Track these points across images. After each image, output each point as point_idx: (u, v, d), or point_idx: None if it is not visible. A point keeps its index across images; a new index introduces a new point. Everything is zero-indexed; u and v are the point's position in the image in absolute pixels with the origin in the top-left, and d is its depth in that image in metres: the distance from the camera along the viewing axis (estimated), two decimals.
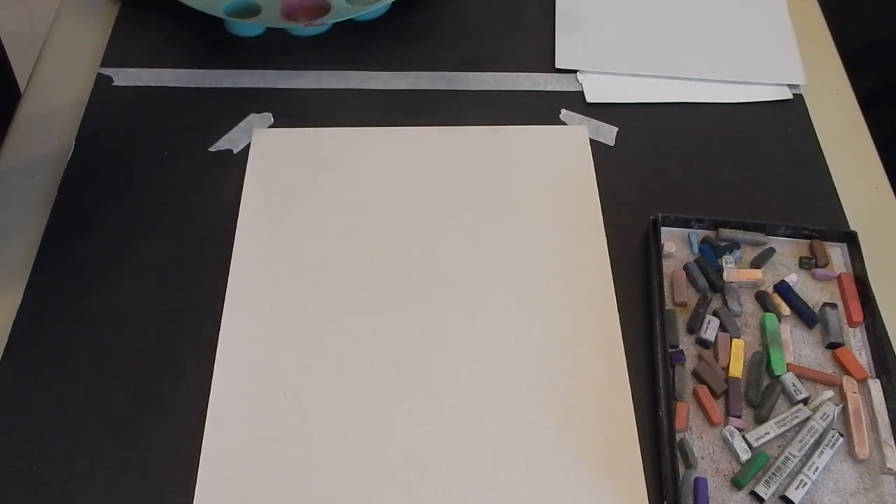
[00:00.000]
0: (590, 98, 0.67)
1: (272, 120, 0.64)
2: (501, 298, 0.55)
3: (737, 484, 0.48)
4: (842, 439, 0.50)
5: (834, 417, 0.51)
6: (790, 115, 0.67)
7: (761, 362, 0.53)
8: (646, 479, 0.49)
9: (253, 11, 0.67)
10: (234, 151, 0.62)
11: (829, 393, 0.52)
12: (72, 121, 0.63)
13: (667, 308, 0.55)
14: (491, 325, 0.54)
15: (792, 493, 0.48)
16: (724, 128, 0.66)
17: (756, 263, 0.57)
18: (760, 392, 0.52)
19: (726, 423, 0.51)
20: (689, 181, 0.63)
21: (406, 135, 0.63)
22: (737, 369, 0.52)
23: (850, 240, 0.58)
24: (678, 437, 0.50)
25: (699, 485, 0.48)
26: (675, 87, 0.68)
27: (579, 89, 0.67)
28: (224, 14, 0.66)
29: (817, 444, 0.50)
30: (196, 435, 0.49)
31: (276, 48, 0.69)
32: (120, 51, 0.67)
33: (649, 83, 0.68)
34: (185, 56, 0.67)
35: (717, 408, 0.51)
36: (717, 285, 0.56)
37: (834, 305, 0.56)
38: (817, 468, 0.49)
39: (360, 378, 0.52)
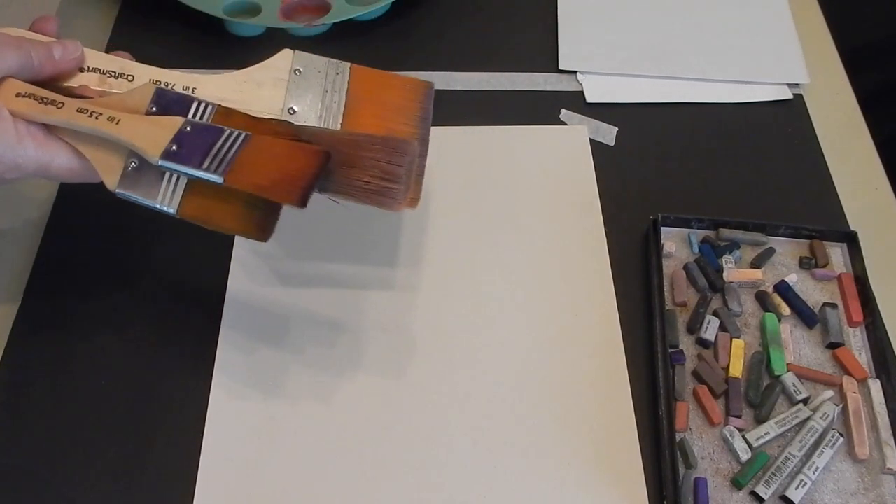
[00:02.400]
0: (590, 98, 0.67)
1: None
2: (501, 298, 0.55)
3: (737, 484, 0.48)
4: (842, 439, 0.50)
5: (834, 417, 0.51)
6: (790, 115, 0.67)
7: (761, 362, 0.53)
8: (646, 479, 0.49)
9: (253, 11, 0.67)
10: None
11: (829, 393, 0.52)
12: None
13: (667, 308, 0.55)
14: (490, 325, 0.54)
15: (792, 493, 0.48)
16: (724, 128, 0.66)
17: (756, 263, 0.57)
18: (760, 392, 0.52)
19: (726, 423, 0.50)
20: (689, 181, 0.63)
21: None
22: (737, 369, 0.52)
23: (850, 240, 0.58)
24: (678, 437, 0.50)
25: (699, 485, 0.48)
26: (675, 87, 0.68)
27: (579, 89, 0.67)
28: (224, 14, 0.66)
29: (817, 444, 0.50)
30: (196, 435, 0.49)
31: (276, 48, 0.68)
32: (120, 50, 0.67)
33: (649, 83, 0.68)
34: (185, 56, 0.67)
35: (717, 408, 0.51)
36: (717, 285, 0.56)
37: (834, 305, 0.56)
38: (817, 468, 0.49)
39: (359, 376, 0.52)
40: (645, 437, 0.50)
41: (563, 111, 0.66)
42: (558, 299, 0.55)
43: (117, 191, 0.44)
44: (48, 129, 0.44)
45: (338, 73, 0.50)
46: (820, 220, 0.60)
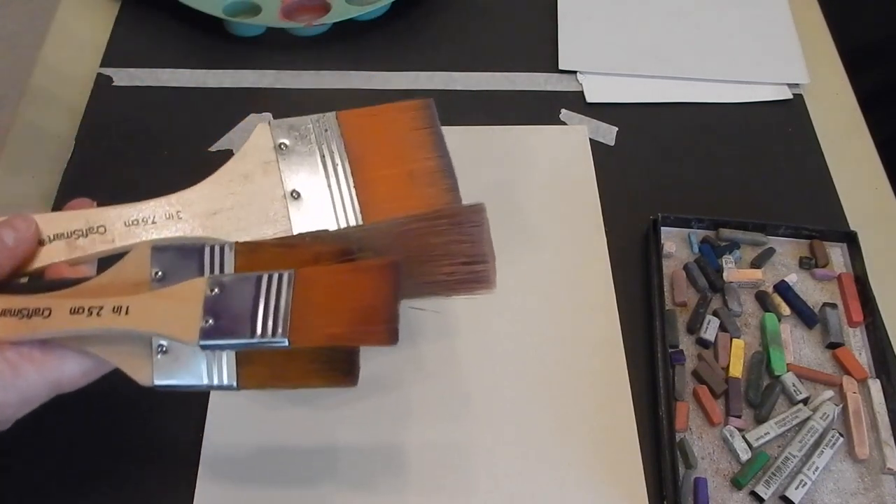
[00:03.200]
0: (590, 98, 0.67)
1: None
2: (501, 298, 0.55)
3: (737, 484, 0.48)
4: (842, 439, 0.50)
5: (834, 417, 0.51)
6: (790, 114, 0.67)
7: (761, 362, 0.53)
8: (646, 479, 0.49)
9: (253, 11, 0.67)
10: (234, 151, 0.62)
11: (829, 393, 0.52)
12: (72, 121, 0.63)
13: (667, 308, 0.55)
14: (489, 325, 0.54)
15: (792, 493, 0.48)
16: (724, 128, 0.66)
17: (756, 263, 0.57)
18: (760, 392, 0.52)
19: (726, 423, 0.50)
20: (689, 181, 0.63)
21: None
22: (737, 369, 0.52)
23: (850, 240, 0.58)
24: (678, 437, 0.50)
25: (699, 485, 0.48)
26: (675, 87, 0.68)
27: (579, 89, 0.67)
28: (224, 14, 0.66)
29: (817, 444, 0.50)
30: (196, 435, 0.49)
31: (276, 48, 0.69)
32: (120, 51, 0.67)
33: (649, 83, 0.68)
34: (185, 56, 0.67)
35: (717, 408, 0.51)
36: (717, 285, 0.56)
37: (834, 305, 0.56)
38: (817, 468, 0.49)
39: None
40: (645, 437, 0.50)
41: (563, 111, 0.66)
42: (558, 299, 0.55)
43: (155, 384, 0.36)
44: (43, 340, 0.35)
45: (327, 130, 0.43)
46: (820, 220, 0.60)
